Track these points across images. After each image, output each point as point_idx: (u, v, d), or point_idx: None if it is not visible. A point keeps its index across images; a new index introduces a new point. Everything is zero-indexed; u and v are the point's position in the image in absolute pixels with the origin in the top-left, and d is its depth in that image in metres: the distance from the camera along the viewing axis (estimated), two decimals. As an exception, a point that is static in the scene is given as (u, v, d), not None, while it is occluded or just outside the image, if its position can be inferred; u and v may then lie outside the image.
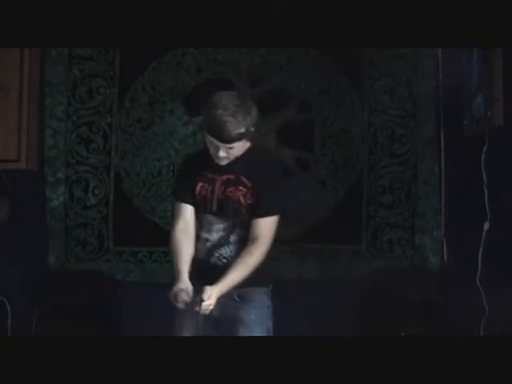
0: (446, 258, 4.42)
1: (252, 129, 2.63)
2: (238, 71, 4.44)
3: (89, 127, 4.42)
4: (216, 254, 2.69)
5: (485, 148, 3.67)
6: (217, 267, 2.66)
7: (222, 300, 2.57)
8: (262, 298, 2.71)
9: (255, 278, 2.62)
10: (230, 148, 2.60)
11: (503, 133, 3.54)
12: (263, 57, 4.45)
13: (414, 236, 4.47)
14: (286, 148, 4.44)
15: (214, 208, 2.70)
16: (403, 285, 4.15)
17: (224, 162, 2.66)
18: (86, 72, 4.42)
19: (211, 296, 2.49)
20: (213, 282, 2.55)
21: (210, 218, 2.72)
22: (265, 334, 2.68)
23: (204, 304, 2.47)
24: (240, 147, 2.64)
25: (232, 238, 2.68)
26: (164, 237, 4.23)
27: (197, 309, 2.48)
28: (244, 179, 2.66)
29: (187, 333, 2.68)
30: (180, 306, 2.54)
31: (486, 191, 3.65)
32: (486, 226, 3.64)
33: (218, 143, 2.60)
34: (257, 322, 2.66)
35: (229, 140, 2.58)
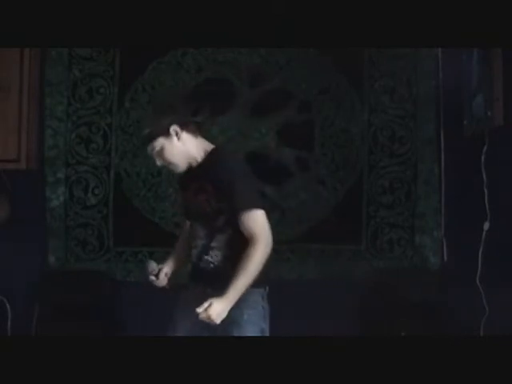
0: (446, 257, 4.42)
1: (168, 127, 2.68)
2: (238, 71, 4.43)
3: (89, 127, 4.42)
4: (204, 259, 2.73)
5: (485, 148, 3.67)
6: (207, 271, 2.71)
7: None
8: (256, 299, 2.69)
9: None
10: (152, 150, 2.71)
11: (503, 133, 3.54)
12: (263, 57, 4.45)
13: (413, 236, 4.47)
14: (286, 148, 4.45)
15: (192, 217, 2.80)
16: (403, 285, 4.14)
17: (166, 165, 2.76)
18: (86, 72, 4.42)
19: (208, 309, 2.49)
20: (207, 284, 2.65)
21: (195, 225, 2.78)
22: (258, 335, 2.66)
23: (201, 317, 2.50)
24: (170, 150, 2.70)
25: (213, 244, 2.69)
26: (164, 237, 4.27)
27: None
28: (206, 184, 2.67)
29: (180, 332, 2.69)
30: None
31: (485, 191, 3.66)
32: (486, 226, 3.65)
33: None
34: (250, 322, 2.65)
35: (143, 143, 2.76)
